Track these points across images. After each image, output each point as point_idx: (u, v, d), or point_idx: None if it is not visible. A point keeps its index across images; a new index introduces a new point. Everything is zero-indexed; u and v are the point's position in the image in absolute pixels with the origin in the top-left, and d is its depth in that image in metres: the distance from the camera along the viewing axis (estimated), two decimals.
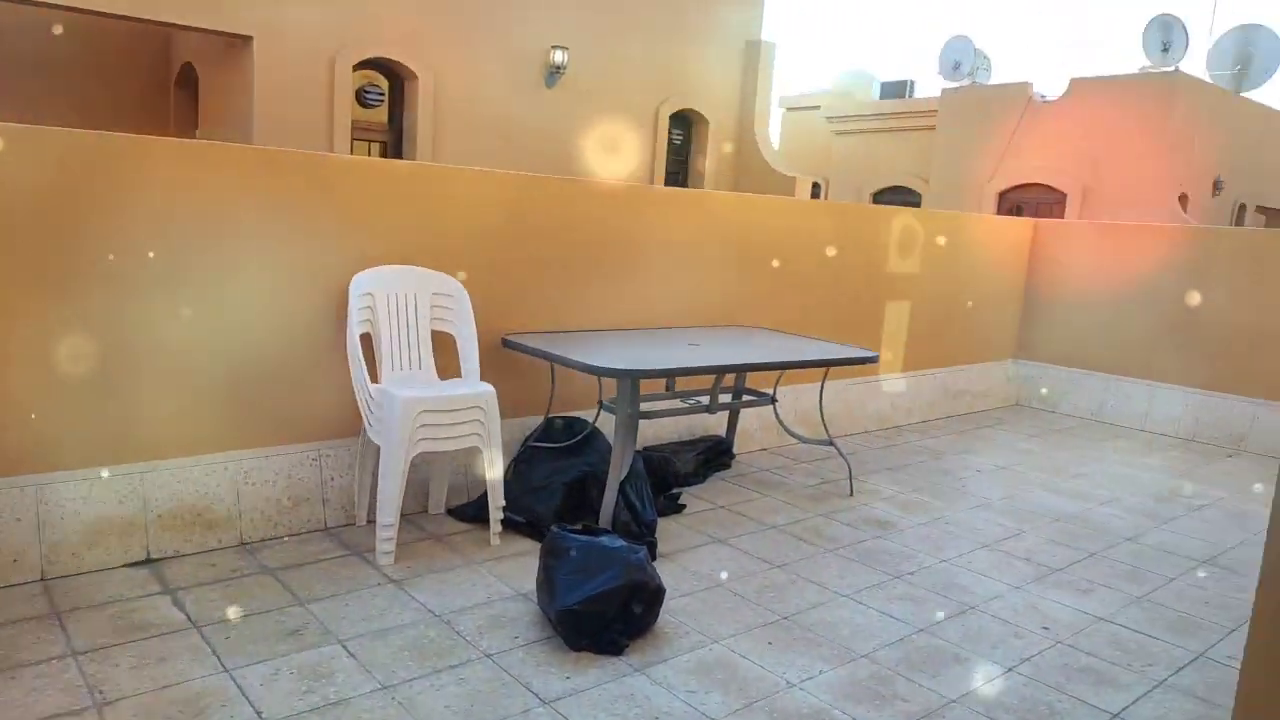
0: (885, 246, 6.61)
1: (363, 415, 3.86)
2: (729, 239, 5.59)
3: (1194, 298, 6.96)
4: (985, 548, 4.32)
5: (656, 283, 5.20)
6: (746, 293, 5.75)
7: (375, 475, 3.90)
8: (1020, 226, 7.84)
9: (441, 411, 3.75)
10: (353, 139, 9.73)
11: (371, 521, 4.05)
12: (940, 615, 3.53)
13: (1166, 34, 18.24)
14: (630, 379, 3.99)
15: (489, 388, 3.90)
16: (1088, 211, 16.37)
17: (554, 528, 3.39)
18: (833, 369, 5.26)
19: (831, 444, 5.05)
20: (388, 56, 9.66)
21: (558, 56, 10.50)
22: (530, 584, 3.53)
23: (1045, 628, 3.49)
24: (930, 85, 27.08)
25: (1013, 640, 3.37)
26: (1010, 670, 3.14)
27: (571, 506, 4.24)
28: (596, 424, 4.63)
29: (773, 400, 5.01)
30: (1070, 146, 17.39)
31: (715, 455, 5.26)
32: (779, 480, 5.19)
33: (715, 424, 5.52)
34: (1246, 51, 19.24)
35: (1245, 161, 18.52)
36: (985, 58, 22.48)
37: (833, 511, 4.69)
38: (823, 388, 5.13)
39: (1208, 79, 17.79)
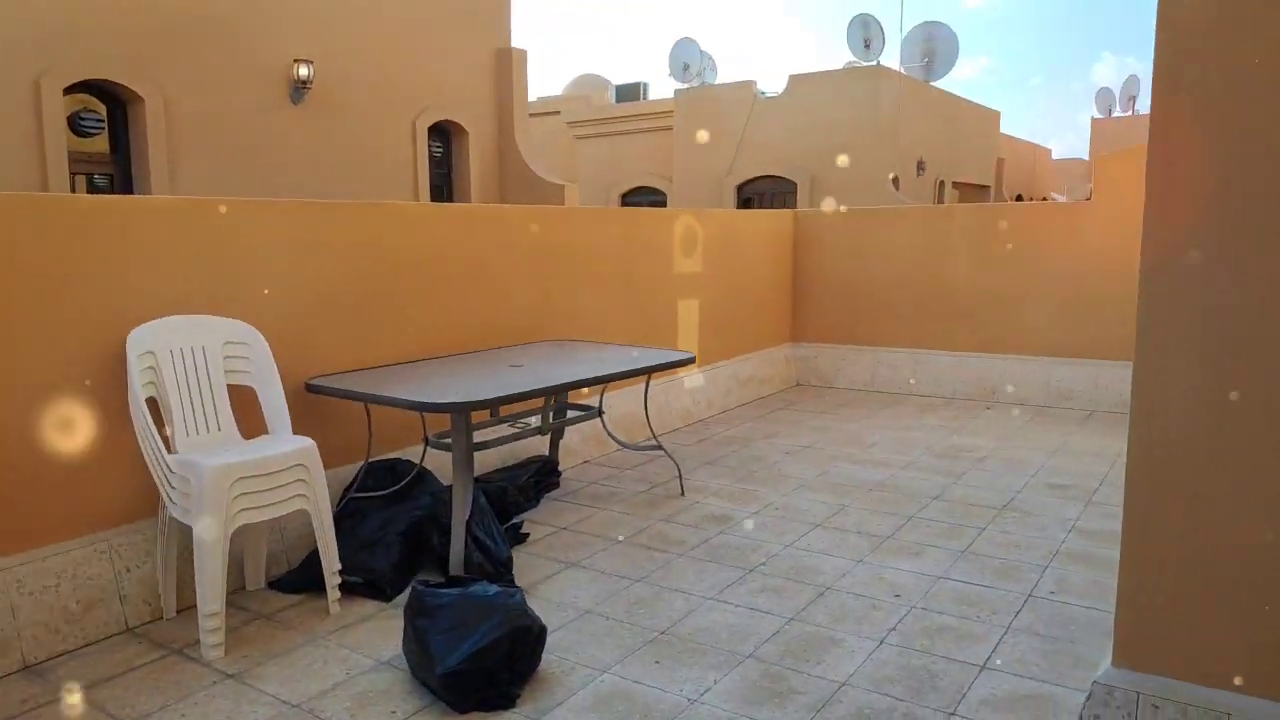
0: (671, 247, 6.75)
1: (161, 491, 3.35)
2: (527, 252, 5.46)
3: (939, 269, 7.72)
4: (819, 527, 4.51)
5: (459, 304, 4.97)
6: (549, 305, 5.65)
7: (182, 559, 3.41)
8: (782, 219, 8.32)
9: (259, 476, 3.34)
10: (71, 172, 8.50)
11: (184, 611, 3.54)
12: (802, 601, 3.63)
13: (867, 31, 20.13)
14: (464, 412, 3.76)
15: (308, 441, 3.52)
16: (817, 198, 17.75)
17: (416, 584, 3.12)
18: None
19: (659, 447, 5.07)
20: (105, 78, 8.52)
21: (302, 71, 9.78)
22: (389, 649, 3.24)
23: (896, 595, 3.70)
24: (663, 87, 28.18)
25: (873, 613, 3.53)
26: (881, 643, 3.28)
27: (410, 556, 3.93)
28: (423, 463, 4.34)
29: (600, 413, 4.95)
30: (795, 139, 18.74)
31: (544, 476, 5.12)
32: (610, 491, 5.14)
33: (537, 444, 5.37)
34: (931, 46, 21.66)
35: (940, 143, 20.79)
36: (710, 58, 23.73)
37: (671, 515, 4.71)
38: (646, 392, 5.14)
39: (903, 71, 19.85)
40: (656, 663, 3.15)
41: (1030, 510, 4.72)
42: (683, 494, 5.07)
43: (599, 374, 4.22)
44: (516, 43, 10.63)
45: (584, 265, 5.91)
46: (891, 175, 18.05)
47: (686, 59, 22.89)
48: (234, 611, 3.54)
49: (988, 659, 3.14)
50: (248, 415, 3.76)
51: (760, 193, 19.76)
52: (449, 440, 3.99)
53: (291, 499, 3.45)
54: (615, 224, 6.23)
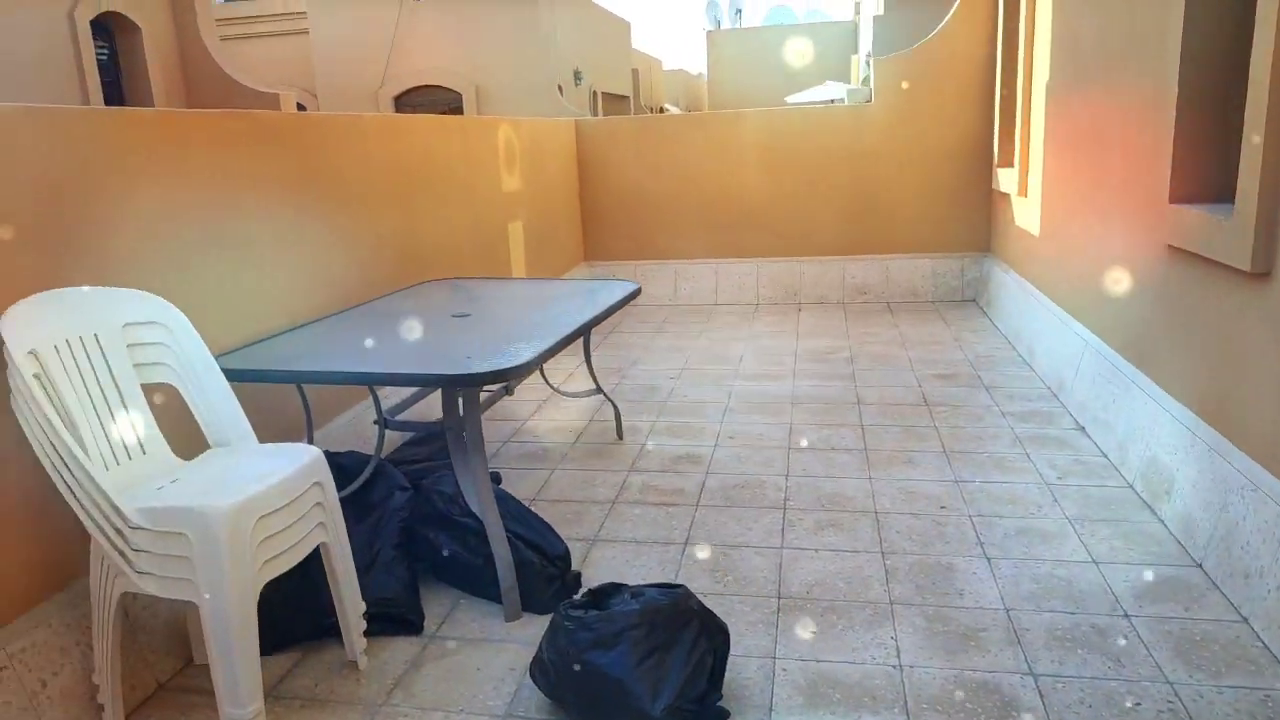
0: (498, 162, 5.93)
1: (110, 557, 2.19)
2: (386, 174, 4.42)
3: (730, 178, 7.70)
4: (793, 450, 4.30)
5: (325, 248, 3.90)
6: (415, 239, 4.68)
7: (127, 641, 2.28)
8: (565, 129, 7.71)
9: (283, 509, 2.31)
10: None
11: (140, 710, 2.41)
12: (871, 533, 3.42)
13: None
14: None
15: (313, 451, 2.52)
16: (484, 108, 16.98)
17: (563, 608, 2.39)
18: None
19: (600, 391, 4.48)
20: None
21: None
22: (492, 696, 2.49)
23: (942, 507, 3.62)
24: None
25: (946, 530, 3.42)
26: (990, 560, 3.19)
27: (415, 571, 3.06)
28: (380, 453, 3.36)
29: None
30: (455, 47, 17.65)
31: None
32: (542, 448, 4.46)
33: (425, 409, 4.47)
34: None
35: (588, 54, 20.85)
36: None
37: (636, 462, 4.20)
38: (587, 338, 4.47)
39: None
40: (816, 634, 2.76)
41: (952, 403, 4.92)
42: (621, 438, 4.56)
43: (590, 315, 3.53)
44: None
45: (438, 187, 4.96)
46: (557, 84, 17.79)
47: None
48: (206, 698, 2.44)
49: (1092, 554, 3.18)
50: (166, 427, 2.59)
51: (421, 104, 18.45)
52: (415, 420, 3.11)
53: (313, 532, 2.45)
54: (456, 135, 5.28)
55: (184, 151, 3.04)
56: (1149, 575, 3.02)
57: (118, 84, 8.15)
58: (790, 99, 18.84)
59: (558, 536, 3.17)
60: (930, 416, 4.71)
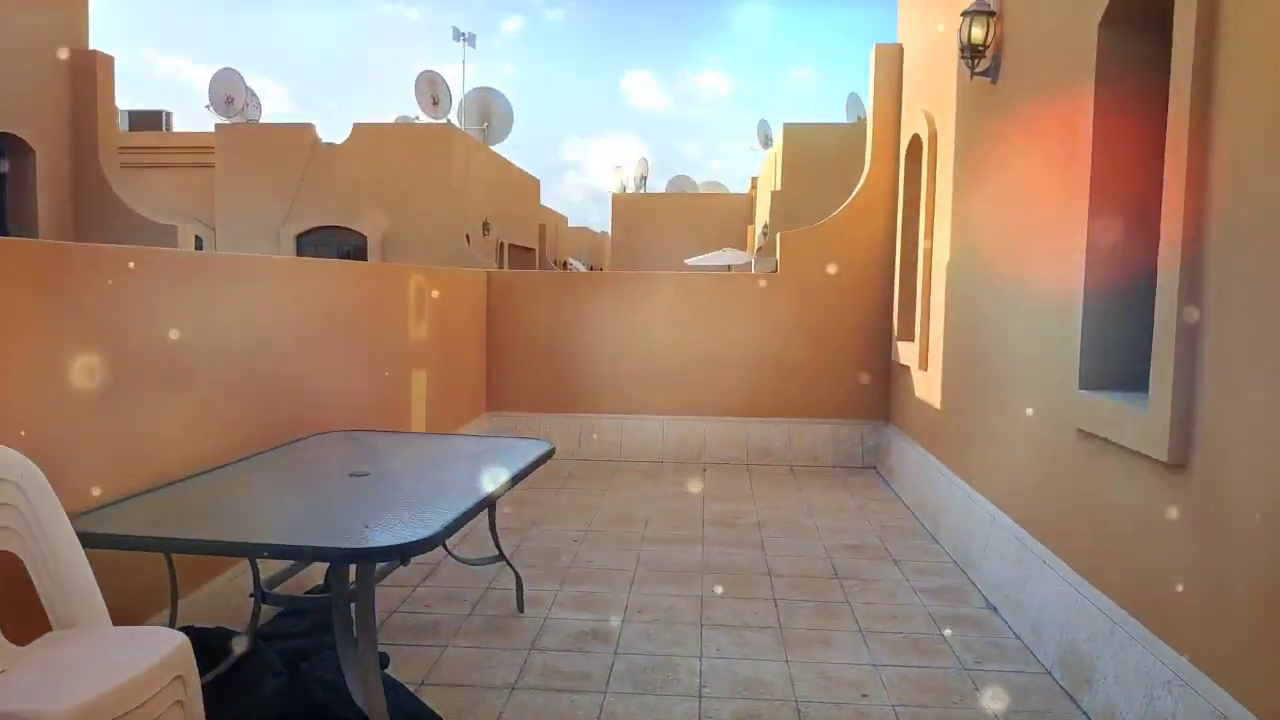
0: (406, 310, 5.76)
1: None
2: (288, 317, 4.19)
3: (642, 334, 7.72)
4: (705, 627, 4.06)
5: (212, 392, 3.60)
6: (313, 386, 4.40)
7: None
8: (476, 279, 7.65)
9: (133, 713, 1.95)
10: None
11: None
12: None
13: (434, 89, 19.98)
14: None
15: (177, 637, 2.17)
16: (390, 254, 16.97)
17: None
18: None
19: (502, 557, 4.18)
20: None
21: None
22: None
23: (864, 695, 3.43)
24: (191, 119, 24.85)
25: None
26: None
27: None
28: (254, 630, 2.97)
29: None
30: (363, 190, 17.76)
31: None
32: (434, 619, 4.09)
33: (314, 571, 4.07)
34: (487, 110, 22.24)
35: (497, 206, 21.32)
36: (255, 95, 21.61)
37: (537, 639, 3.88)
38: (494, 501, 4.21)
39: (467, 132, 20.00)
40: None
41: (862, 576, 4.80)
42: (521, 610, 4.23)
43: (502, 479, 3.30)
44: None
45: (343, 333, 4.74)
46: (465, 234, 18.00)
47: (229, 91, 20.51)
48: None
49: None
50: (2, 601, 2.22)
51: (325, 243, 18.31)
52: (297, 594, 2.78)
53: None
54: (367, 281, 5.11)
55: (71, 285, 2.77)
56: None
57: (0, 205, 7.68)
58: (689, 261, 19.55)
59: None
60: (842, 591, 4.57)
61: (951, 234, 5.72)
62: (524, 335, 7.81)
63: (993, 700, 3.39)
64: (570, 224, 34.23)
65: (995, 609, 4.32)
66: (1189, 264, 2.81)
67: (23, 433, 2.50)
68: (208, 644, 2.90)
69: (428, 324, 6.12)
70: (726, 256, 19.50)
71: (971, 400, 5.20)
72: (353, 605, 2.73)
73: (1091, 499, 3.55)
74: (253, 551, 2.58)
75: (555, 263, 26.89)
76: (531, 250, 24.31)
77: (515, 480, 3.38)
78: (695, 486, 6.84)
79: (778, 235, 7.71)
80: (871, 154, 7.49)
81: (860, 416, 7.60)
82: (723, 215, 28.17)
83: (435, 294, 6.28)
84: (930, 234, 6.24)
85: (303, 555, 2.64)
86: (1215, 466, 2.70)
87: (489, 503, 3.04)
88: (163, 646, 2.09)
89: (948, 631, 4.05)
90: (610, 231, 29.47)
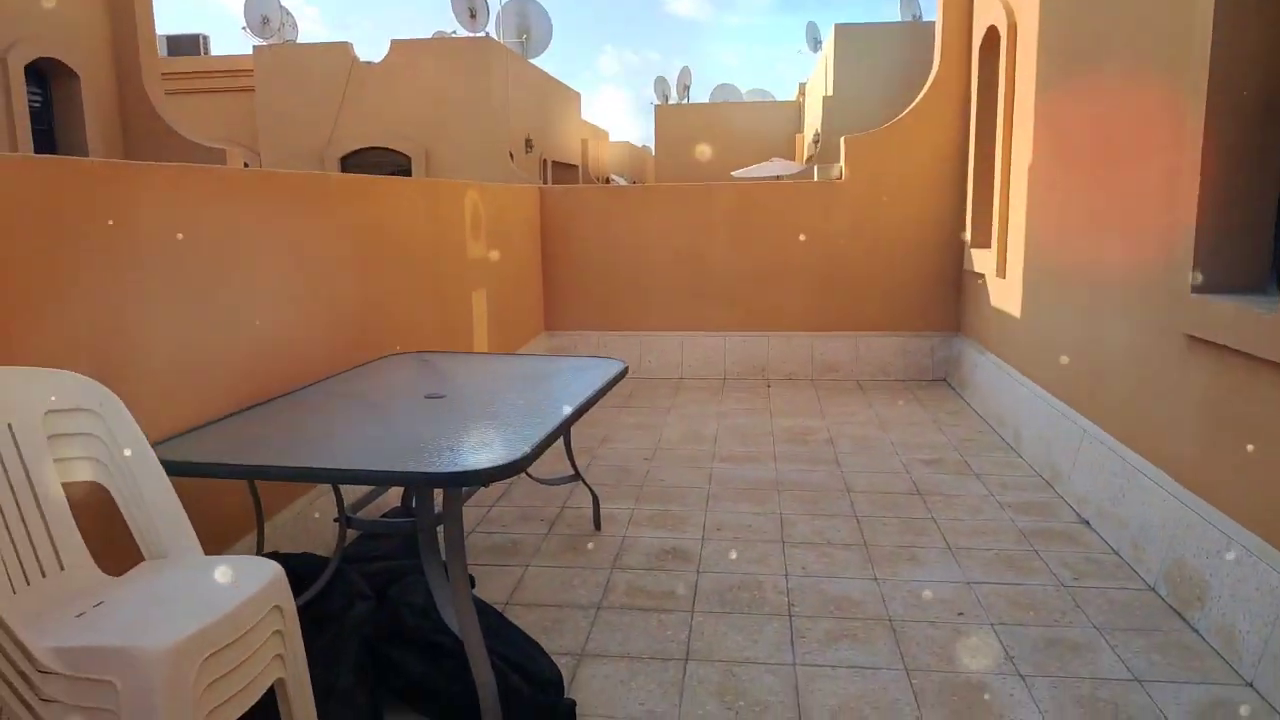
0: (463, 228, 5.61)
1: (11, 707, 1.75)
2: (349, 239, 4.07)
3: (698, 250, 7.51)
4: (786, 544, 3.98)
5: (279, 317, 3.52)
6: (376, 310, 4.31)
7: None
8: (529, 195, 7.45)
9: (234, 644, 1.90)
10: None
11: None
12: (890, 646, 3.10)
13: (472, 1, 19.42)
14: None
15: (272, 567, 2.12)
16: (434, 172, 16.75)
17: None
18: None
19: (579, 477, 4.11)
20: None
21: None
22: None
23: (959, 614, 3.32)
24: (234, 42, 24.65)
25: (967, 641, 3.11)
26: (1025, 678, 2.89)
27: (377, 697, 2.64)
28: (339, 554, 2.93)
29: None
30: (405, 110, 17.47)
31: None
32: (512, 540, 4.05)
33: (394, 495, 4.04)
34: (526, 22, 21.61)
35: (539, 122, 20.86)
36: (290, 14, 21.24)
37: (619, 558, 3.82)
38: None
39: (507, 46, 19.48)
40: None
41: (945, 491, 4.66)
42: (599, 529, 4.18)
43: (582, 399, 3.19)
44: None
45: (401, 253, 4.62)
46: (510, 151, 17.69)
47: (265, 11, 20.17)
48: None
49: (1132, 671, 2.91)
50: (92, 535, 2.17)
51: (369, 165, 18.14)
52: (376, 520, 2.71)
53: (269, 667, 2.03)
54: (422, 199, 4.95)
55: (131, 208, 2.66)
56: (1199, 695, 2.74)
57: (50, 133, 7.63)
58: (736, 173, 19.03)
59: (547, 657, 2.78)
60: (925, 507, 4.44)
61: (1034, 135, 5.36)
62: (579, 252, 7.63)
63: (1097, 615, 3.26)
64: (611, 139, 33.59)
65: (1088, 523, 4.16)
66: None
67: (92, 360, 2.43)
68: (294, 569, 2.85)
69: (485, 242, 5.97)
70: (776, 167, 18.94)
71: (1059, 309, 4.94)
72: (438, 528, 2.66)
73: (1204, 411, 3.34)
74: (340, 478, 2.50)
75: (598, 179, 26.48)
76: (574, 166, 23.92)
77: (593, 401, 3.26)
78: (760, 403, 6.70)
79: (842, 140, 7.35)
80: (941, 49, 7.05)
81: (930, 328, 7.35)
82: (770, 124, 27.36)
83: (490, 211, 6.12)
84: (1009, 135, 5.87)
85: (390, 480, 2.56)
86: None
87: (570, 423, 2.93)
88: (259, 576, 2.03)
89: (1041, 547, 3.91)
90: (654, 145, 28.83)
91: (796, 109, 27.39)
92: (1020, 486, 4.72)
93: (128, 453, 2.17)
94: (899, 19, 19.13)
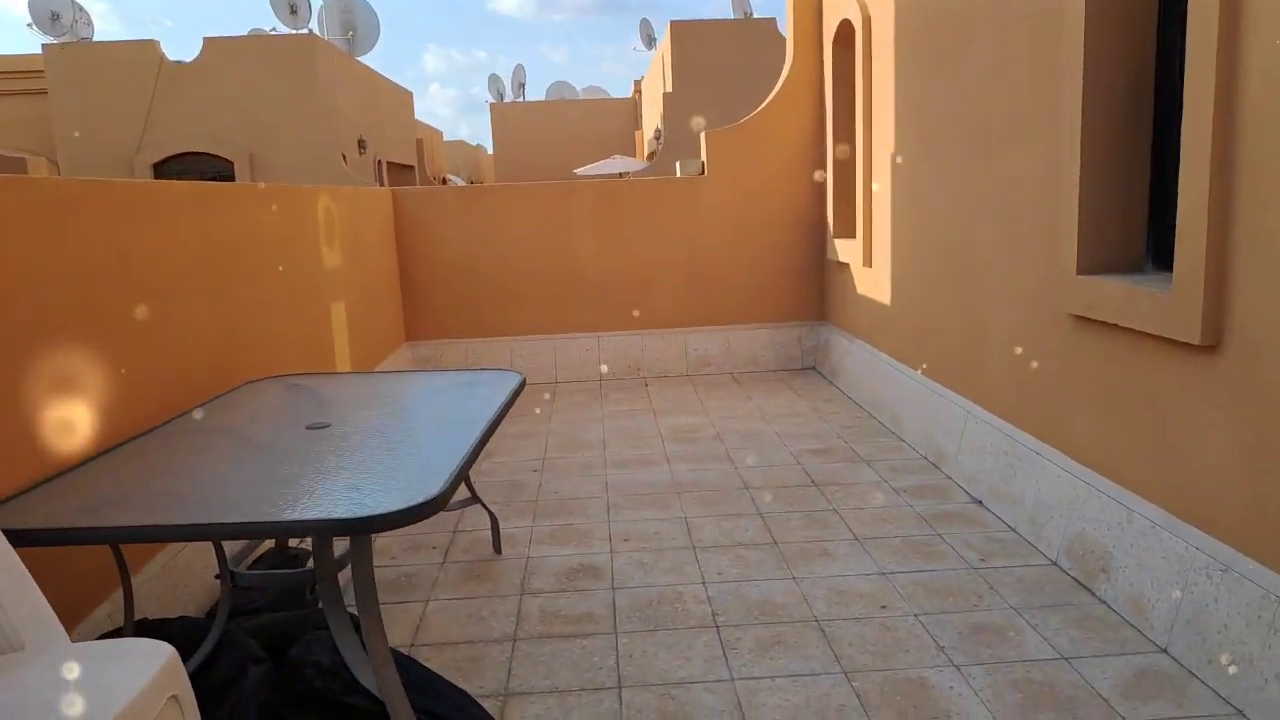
0: (318, 236, 5.17)
1: None
2: (199, 254, 3.62)
3: (565, 249, 7.30)
4: (695, 549, 3.86)
5: (121, 347, 3.08)
6: (232, 330, 3.87)
7: None
8: (381, 198, 7.01)
9: None
10: None
11: None
12: (821, 649, 3.03)
13: None
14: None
15: (164, 649, 1.77)
16: (259, 177, 15.72)
17: None
18: None
19: (478, 501, 3.83)
20: None
21: None
22: None
23: (883, 607, 3.30)
24: (10, 41, 22.31)
25: (899, 637, 3.09)
26: (959, 668, 2.88)
27: None
28: (222, 617, 2.55)
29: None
30: (224, 112, 16.33)
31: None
32: (405, 572, 3.73)
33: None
34: (351, 19, 20.67)
35: (373, 123, 20.03)
36: (84, 10, 19.43)
37: (526, 583, 3.58)
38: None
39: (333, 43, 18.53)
40: None
41: (839, 480, 4.68)
42: (499, 552, 3.92)
43: (489, 416, 2.92)
44: None
45: (253, 267, 4.18)
46: (341, 153, 16.86)
47: (56, 7, 18.33)
48: None
49: (1056, 649, 2.95)
50: None
51: (185, 172, 16.83)
52: (266, 573, 2.39)
53: None
54: (276, 205, 4.50)
55: None
56: (1123, 667, 2.81)
57: None
58: (579, 171, 18.91)
59: (478, 705, 2.52)
60: (824, 498, 4.44)
61: (896, 124, 5.49)
62: (439, 256, 7.26)
63: (1011, 596, 3.32)
64: (446, 138, 32.69)
65: (980, 502, 4.26)
66: (1221, 131, 2.63)
67: None
68: (170, 637, 2.48)
69: (340, 250, 5.54)
70: (618, 164, 18.95)
71: (934, 295, 5.07)
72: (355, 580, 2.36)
73: (1094, 388, 3.45)
74: (230, 533, 2.16)
75: (435, 179, 25.69)
76: (410, 167, 23.09)
77: (498, 420, 3.01)
78: (642, 403, 6.59)
79: (702, 135, 7.33)
80: (793, 43, 7.14)
81: (797, 318, 7.46)
82: (607, 121, 27.45)
83: (343, 216, 5.69)
84: (869, 126, 6.00)
85: (290, 532, 2.23)
86: (1256, 344, 2.58)
87: (483, 445, 2.68)
88: (147, 664, 1.69)
89: (943, 530, 3.97)
90: (491, 144, 28.27)
91: (633, 106, 27.58)
92: (909, 470, 4.81)
93: None
94: (731, 15, 19.57)
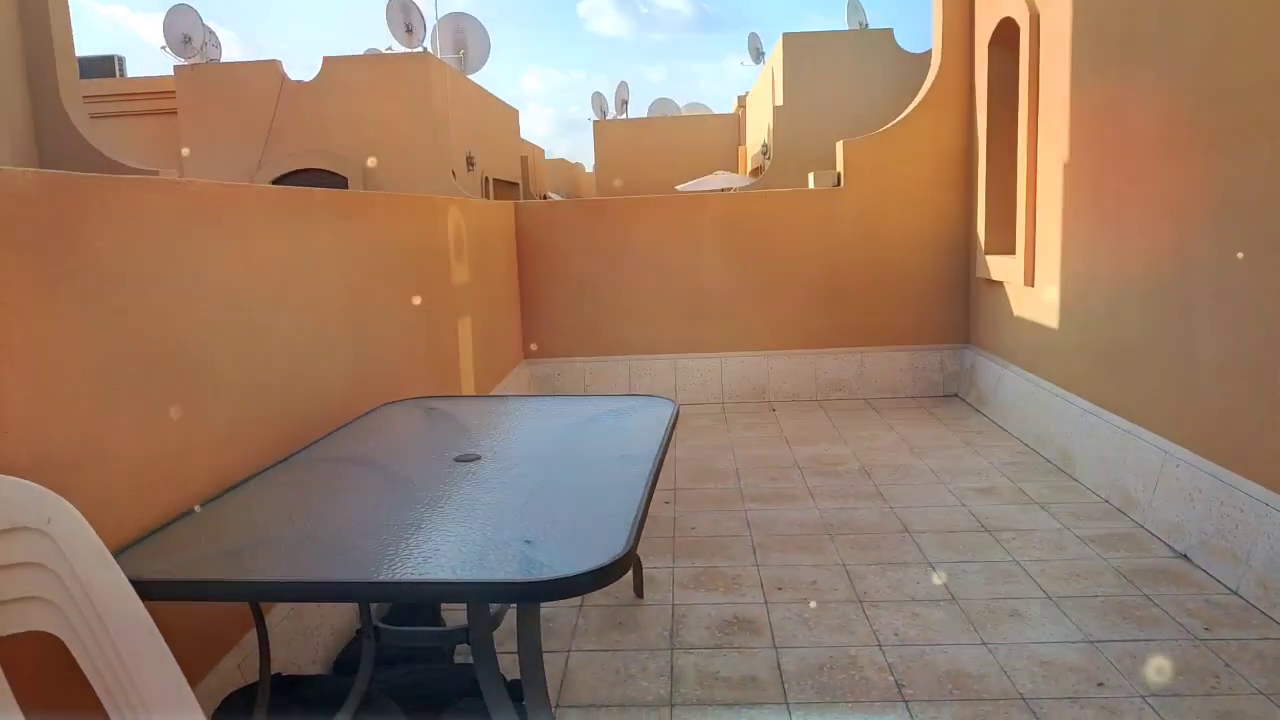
0: (447, 249, 4.96)
1: None
2: (338, 266, 3.41)
3: (690, 265, 6.97)
4: (858, 603, 3.43)
5: (276, 366, 2.85)
6: (364, 350, 3.65)
7: None
8: (504, 211, 6.82)
9: None
10: None
11: None
12: None
13: (407, 16, 18.69)
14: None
15: None
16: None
17: None
18: None
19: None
20: None
21: None
22: None
23: (1099, 685, 2.81)
24: (141, 68, 23.53)
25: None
26: None
27: None
28: (364, 675, 2.27)
29: None
30: (340, 129, 16.68)
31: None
32: (546, 620, 3.42)
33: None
34: (462, 38, 20.96)
35: (478, 139, 20.19)
36: (213, 33, 20.22)
37: (673, 633, 3.23)
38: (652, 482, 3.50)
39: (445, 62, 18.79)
40: None
41: (1012, 527, 4.18)
42: (640, 595, 3.58)
43: (655, 453, 2.59)
44: None
45: (389, 280, 3.97)
46: (453, 170, 17.01)
47: (186, 30, 19.13)
48: None
49: None
50: (41, 698, 1.50)
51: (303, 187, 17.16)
52: (412, 629, 2.08)
53: None
54: (407, 217, 4.30)
55: (78, 233, 1.99)
56: None
57: None
58: (681, 187, 18.61)
59: None
60: (1001, 547, 3.94)
61: (1072, 127, 4.96)
62: (558, 271, 7.02)
63: (1253, 675, 2.79)
64: (546, 156, 33.02)
65: (1187, 557, 3.71)
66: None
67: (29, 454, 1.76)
68: (305, 697, 2.21)
69: (468, 264, 5.33)
70: (721, 180, 18.56)
71: (1115, 318, 4.51)
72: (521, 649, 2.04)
73: None
74: (384, 595, 1.87)
75: (537, 196, 25.84)
76: (515, 184, 23.27)
77: (662, 456, 2.67)
78: (772, 429, 6.17)
79: (839, 145, 6.90)
80: (942, 44, 6.66)
81: (939, 341, 6.93)
82: (709, 137, 27.15)
83: (471, 229, 5.48)
84: (1033, 131, 5.47)
85: (460, 596, 1.92)
86: None
87: (654, 487, 2.34)
88: None
89: (1148, 590, 3.44)
90: (590, 162, 28.29)
91: (736, 122, 27.21)
92: (1092, 516, 4.26)
93: (89, 585, 1.51)
94: (845, 27, 19.00)
